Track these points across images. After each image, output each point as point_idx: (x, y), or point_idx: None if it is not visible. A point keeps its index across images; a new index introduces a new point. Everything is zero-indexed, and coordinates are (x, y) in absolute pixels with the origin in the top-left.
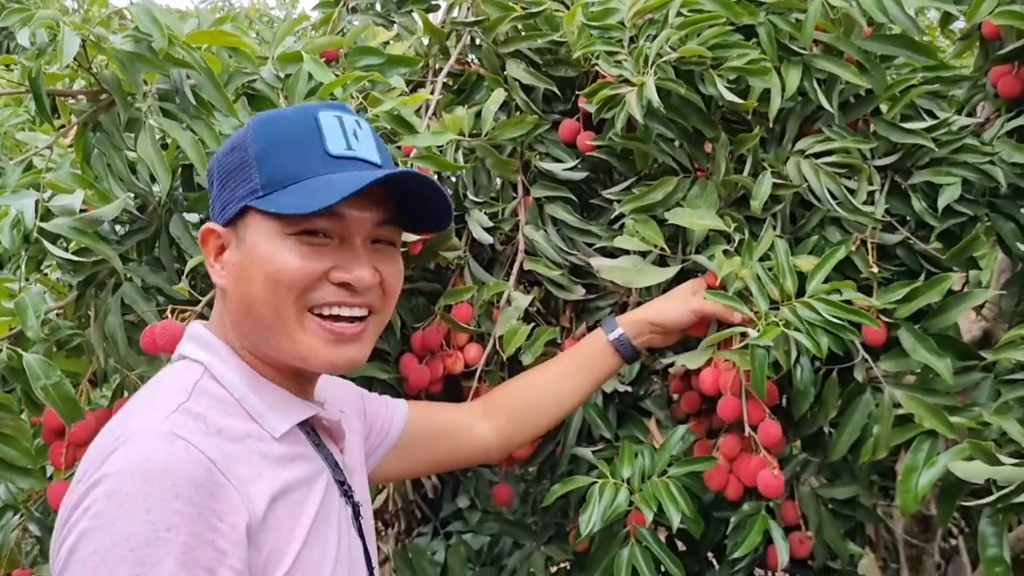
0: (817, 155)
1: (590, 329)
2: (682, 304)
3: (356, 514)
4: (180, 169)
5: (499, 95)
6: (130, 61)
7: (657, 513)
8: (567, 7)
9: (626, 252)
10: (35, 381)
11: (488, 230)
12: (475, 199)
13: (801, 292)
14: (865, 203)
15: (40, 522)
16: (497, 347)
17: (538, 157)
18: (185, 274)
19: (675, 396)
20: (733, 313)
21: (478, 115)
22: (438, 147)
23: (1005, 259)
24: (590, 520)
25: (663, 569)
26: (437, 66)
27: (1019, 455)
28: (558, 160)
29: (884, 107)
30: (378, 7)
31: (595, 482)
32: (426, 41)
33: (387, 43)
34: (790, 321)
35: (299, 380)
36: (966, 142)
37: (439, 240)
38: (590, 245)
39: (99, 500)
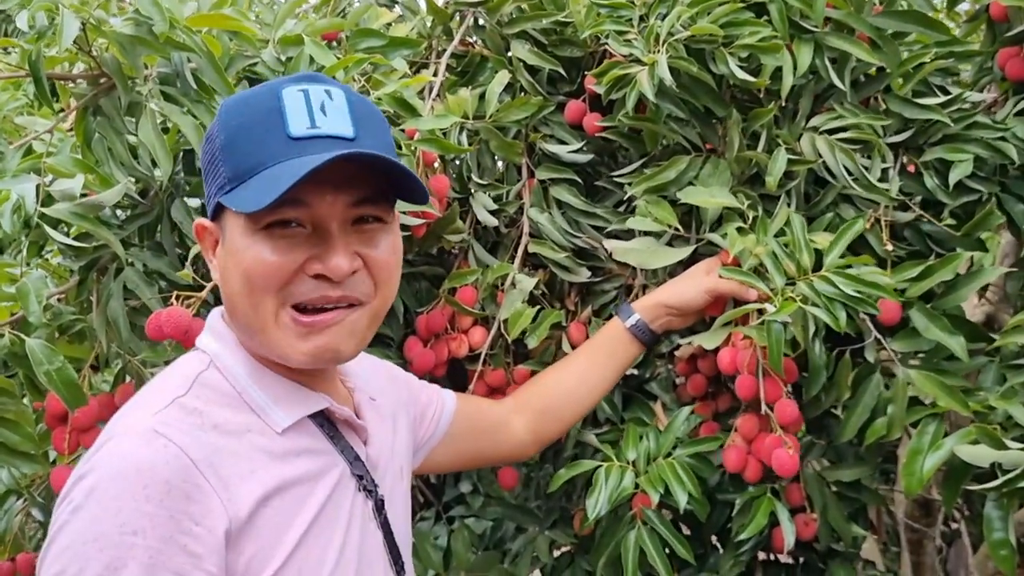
0: (831, 132)
1: (596, 313)
2: (696, 284)
3: (379, 508)
4: (181, 154)
5: (503, 76)
6: (130, 44)
7: (663, 495)
8: None
9: (636, 234)
10: (38, 366)
11: (492, 213)
12: (479, 182)
13: (818, 267)
14: (880, 180)
15: (43, 507)
16: (502, 330)
17: (543, 139)
18: (189, 260)
19: (681, 379)
20: (748, 290)
21: (482, 97)
22: (442, 130)
23: (1009, 243)
24: (597, 503)
25: (669, 551)
26: (440, 48)
27: None
28: (563, 142)
29: (896, 86)
30: None
31: (601, 465)
32: (429, 22)
33: (389, 25)
34: (807, 296)
35: (308, 371)
36: (978, 119)
37: (443, 223)
38: (595, 228)
39: (80, 495)
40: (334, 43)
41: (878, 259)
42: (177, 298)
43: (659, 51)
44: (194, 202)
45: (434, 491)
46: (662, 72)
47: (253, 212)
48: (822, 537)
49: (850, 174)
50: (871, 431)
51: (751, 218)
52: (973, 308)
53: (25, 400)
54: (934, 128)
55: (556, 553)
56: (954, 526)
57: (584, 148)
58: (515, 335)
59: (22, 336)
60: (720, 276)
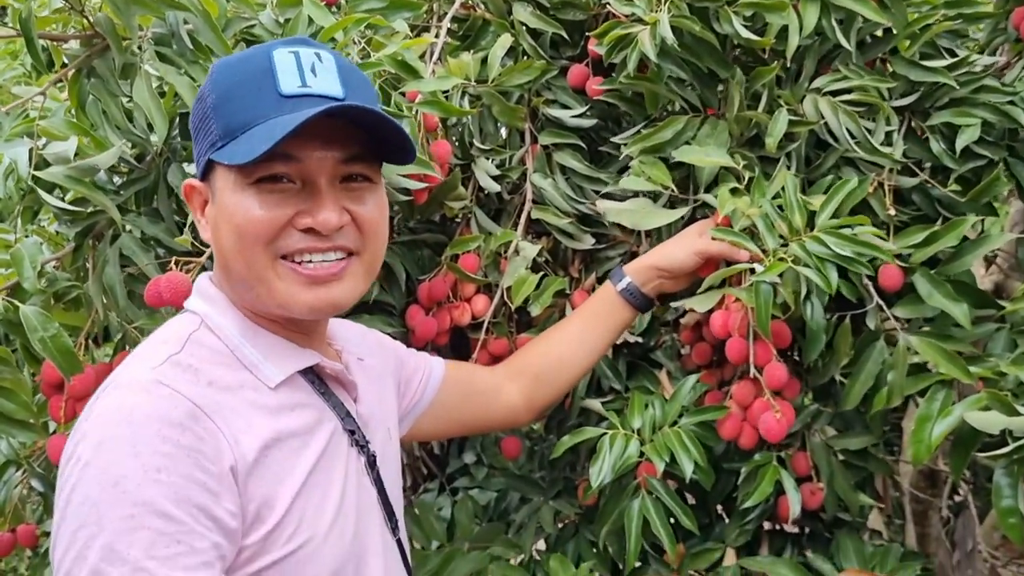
0: (834, 93)
1: (600, 280)
2: (687, 246)
3: (371, 464)
4: (178, 118)
5: (505, 40)
6: (124, 4)
7: (668, 464)
8: None
9: (635, 197)
10: (32, 333)
11: (495, 179)
12: (482, 147)
13: (812, 229)
14: (883, 144)
15: (42, 478)
16: (505, 298)
17: (546, 104)
18: (188, 226)
19: (686, 347)
20: (739, 251)
21: (484, 61)
22: (443, 92)
23: (1019, 210)
24: (601, 471)
25: (674, 521)
26: (442, 11)
27: None
28: (566, 107)
29: (902, 48)
30: None
31: (605, 433)
32: None
33: None
34: (799, 257)
35: (299, 328)
36: (986, 82)
37: (444, 189)
38: (599, 194)
39: (87, 451)
40: (333, 7)
41: (881, 224)
42: (176, 263)
43: (661, 10)
44: (191, 167)
45: (438, 462)
46: (664, 31)
47: (244, 165)
48: (828, 506)
49: (853, 137)
50: (877, 399)
51: (747, 179)
52: (982, 277)
53: (26, 372)
54: (941, 91)
55: (560, 524)
56: (958, 498)
57: (587, 113)
58: (518, 303)
59: (17, 303)
60: (712, 238)
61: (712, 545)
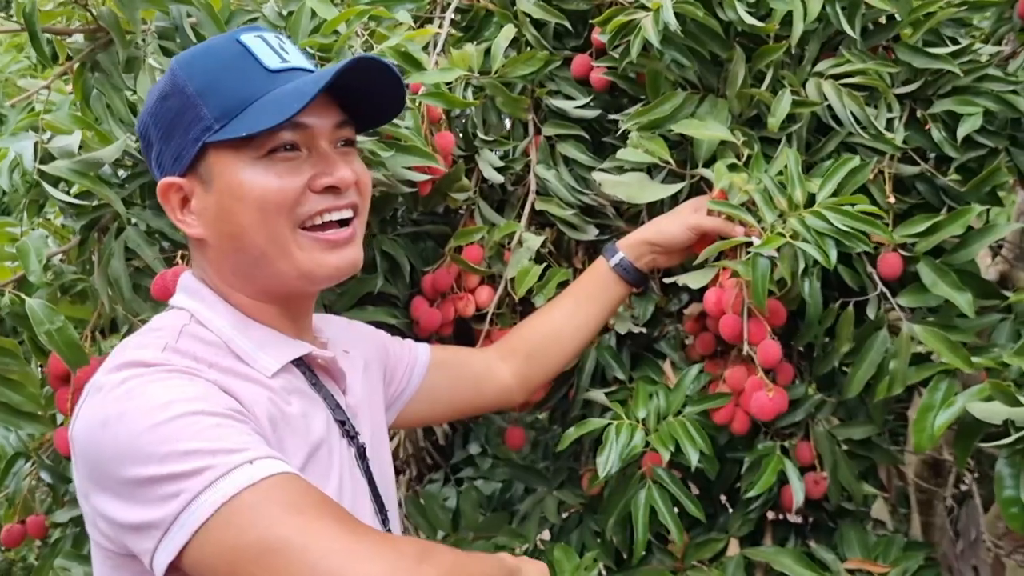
0: (837, 77)
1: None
2: (681, 221)
3: (361, 455)
4: None
5: (509, 31)
6: None
7: (673, 453)
8: None
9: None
10: (38, 326)
11: (499, 170)
12: (485, 138)
13: (812, 205)
14: (885, 130)
15: (51, 469)
16: (509, 289)
17: (549, 95)
18: None
19: (690, 338)
20: (734, 227)
21: (487, 52)
22: (447, 84)
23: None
24: (607, 461)
25: (679, 510)
26: (445, 2)
27: None
28: (570, 98)
29: (905, 35)
30: None
31: (610, 423)
32: None
33: None
34: (797, 232)
35: (291, 317)
36: (990, 71)
37: (448, 180)
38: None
39: (107, 405)
40: None
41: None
42: (182, 257)
43: None
44: None
45: (443, 453)
46: (667, 17)
47: (260, 135)
48: (832, 496)
49: (857, 122)
50: (879, 388)
51: (746, 155)
52: (986, 267)
53: (33, 364)
54: (944, 79)
55: (565, 514)
56: (963, 488)
57: (591, 103)
58: (522, 294)
59: (23, 296)
60: (708, 211)
61: (715, 535)
